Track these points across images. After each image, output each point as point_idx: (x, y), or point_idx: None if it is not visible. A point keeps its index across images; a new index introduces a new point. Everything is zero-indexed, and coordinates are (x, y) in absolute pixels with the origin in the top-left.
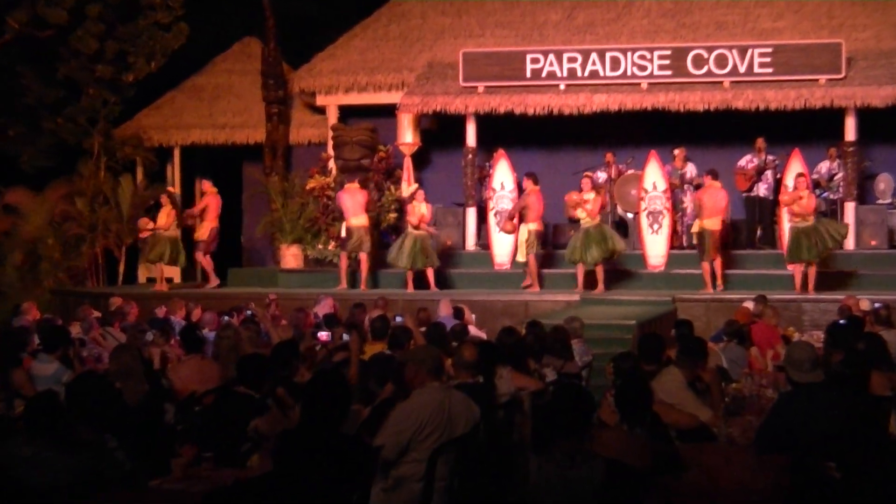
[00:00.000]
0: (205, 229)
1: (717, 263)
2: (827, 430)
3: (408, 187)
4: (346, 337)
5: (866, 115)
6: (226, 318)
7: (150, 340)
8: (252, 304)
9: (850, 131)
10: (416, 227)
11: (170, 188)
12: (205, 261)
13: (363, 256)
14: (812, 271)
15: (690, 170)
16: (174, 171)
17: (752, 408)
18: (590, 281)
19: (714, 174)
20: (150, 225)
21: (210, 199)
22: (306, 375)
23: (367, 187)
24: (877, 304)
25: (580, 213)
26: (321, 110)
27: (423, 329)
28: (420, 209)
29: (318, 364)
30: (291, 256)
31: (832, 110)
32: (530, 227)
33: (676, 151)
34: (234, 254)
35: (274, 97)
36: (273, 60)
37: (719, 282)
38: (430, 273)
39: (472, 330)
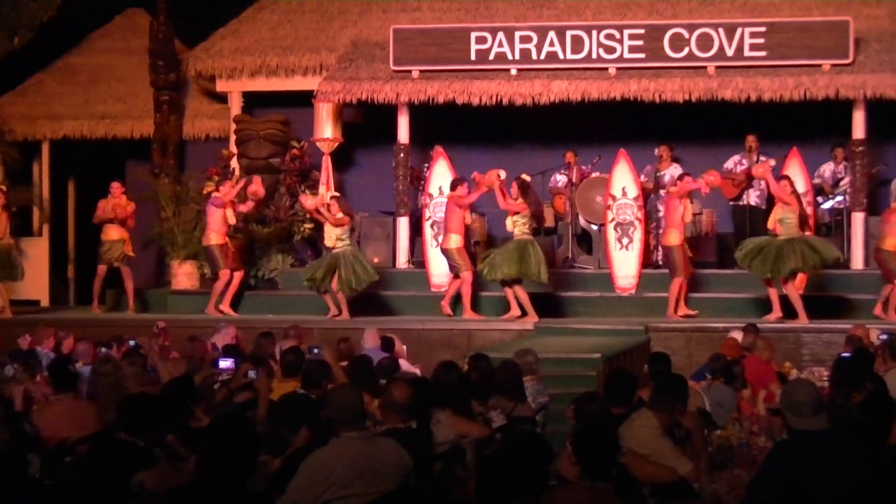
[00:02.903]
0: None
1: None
2: (834, 488)
3: (326, 192)
4: (251, 374)
5: (878, 109)
6: (104, 349)
7: (11, 376)
8: (137, 334)
9: (859, 127)
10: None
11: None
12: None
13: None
14: (793, 295)
15: (672, 172)
16: (42, 171)
17: (741, 459)
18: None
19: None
20: None
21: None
22: (203, 419)
23: (278, 191)
24: (882, 336)
25: (510, 225)
26: (222, 98)
27: (344, 364)
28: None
29: (218, 406)
30: (185, 275)
31: (838, 102)
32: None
33: (659, 150)
34: (114, 272)
35: (164, 82)
36: (164, 37)
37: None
38: (342, 298)
39: (404, 365)
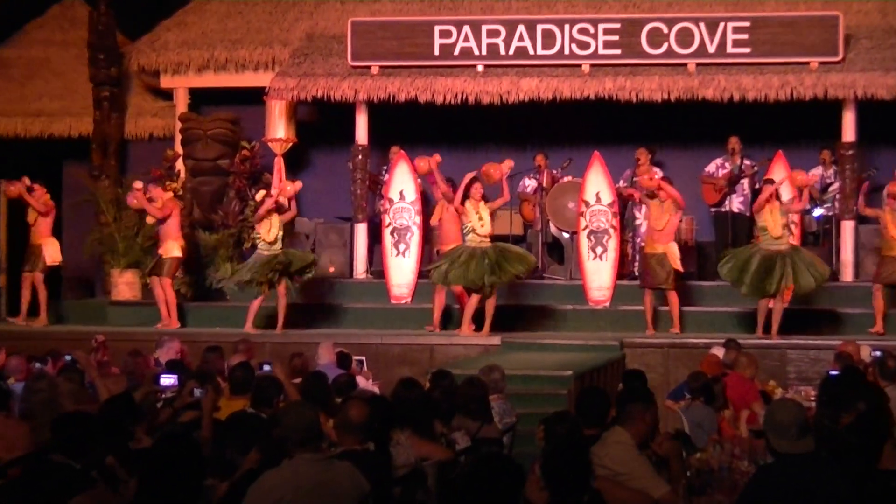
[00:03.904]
0: (52, 246)
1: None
2: None
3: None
4: (197, 391)
5: (869, 109)
6: (38, 365)
7: None
8: (73, 348)
9: (849, 129)
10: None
11: None
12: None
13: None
14: (778, 308)
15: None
16: None
17: (721, 484)
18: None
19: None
20: None
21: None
22: (144, 440)
23: (227, 195)
24: (875, 353)
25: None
26: (167, 95)
27: (297, 381)
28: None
29: (161, 425)
30: (125, 285)
31: (826, 102)
32: None
33: (638, 153)
34: (51, 280)
35: (105, 77)
36: (104, 29)
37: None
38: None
39: (362, 382)
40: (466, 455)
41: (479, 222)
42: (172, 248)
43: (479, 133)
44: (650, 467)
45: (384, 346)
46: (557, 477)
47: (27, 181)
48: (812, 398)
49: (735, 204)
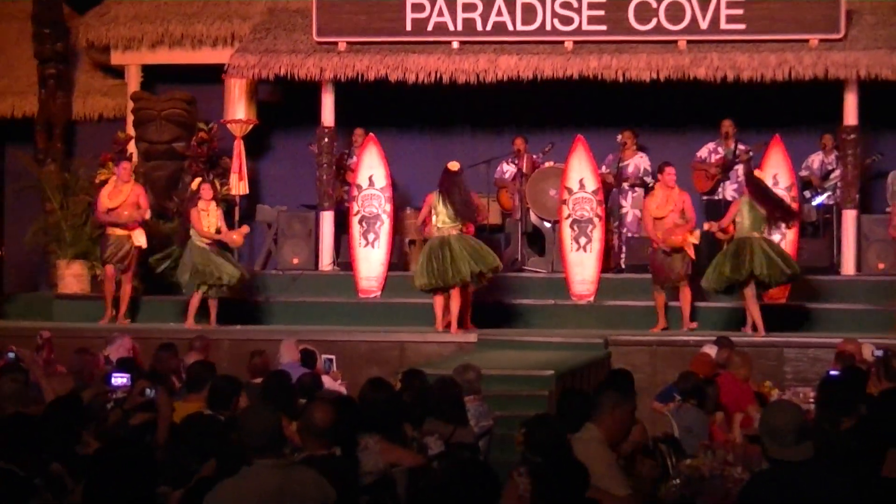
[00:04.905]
0: None
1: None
2: None
3: (238, 181)
4: (149, 391)
5: (873, 91)
6: None
7: None
8: (15, 346)
9: (851, 112)
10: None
11: None
12: None
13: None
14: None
15: (637, 162)
16: None
17: (713, 493)
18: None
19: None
20: None
21: None
22: (93, 444)
23: (182, 180)
24: (877, 352)
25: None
26: (118, 72)
27: (258, 381)
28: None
29: (110, 429)
30: (73, 277)
31: (827, 83)
32: None
33: (623, 136)
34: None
35: (50, 53)
36: (50, 1)
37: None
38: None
39: (328, 382)
40: (439, 461)
41: (437, 218)
42: (140, 237)
43: (453, 115)
44: (616, 467)
45: (351, 344)
46: (552, 489)
47: None
48: (811, 400)
49: (728, 191)
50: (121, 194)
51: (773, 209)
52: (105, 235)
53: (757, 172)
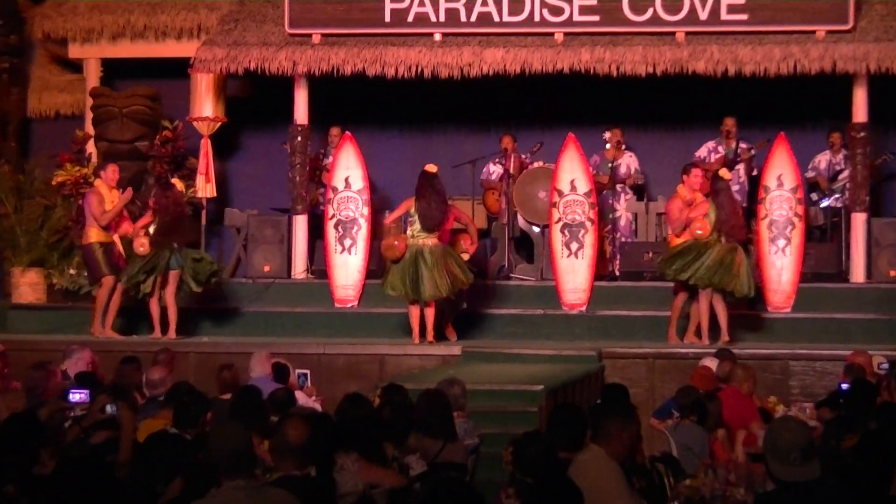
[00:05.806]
0: None
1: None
2: None
3: (205, 183)
4: (110, 408)
5: (884, 86)
6: None
7: None
8: None
9: (861, 109)
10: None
11: None
12: None
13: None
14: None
15: (628, 162)
16: None
17: None
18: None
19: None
20: None
21: None
22: (50, 465)
23: (146, 181)
24: (884, 365)
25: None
26: (76, 66)
27: (227, 396)
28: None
29: (69, 447)
30: (28, 286)
31: (835, 77)
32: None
33: (608, 135)
34: None
35: (3, 46)
36: None
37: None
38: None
39: (301, 398)
40: (421, 482)
41: (411, 227)
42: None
43: (436, 112)
44: (626, 485)
45: (327, 357)
46: None
47: None
48: (817, 416)
49: None
50: (111, 200)
51: (726, 217)
52: (87, 248)
53: (723, 172)
